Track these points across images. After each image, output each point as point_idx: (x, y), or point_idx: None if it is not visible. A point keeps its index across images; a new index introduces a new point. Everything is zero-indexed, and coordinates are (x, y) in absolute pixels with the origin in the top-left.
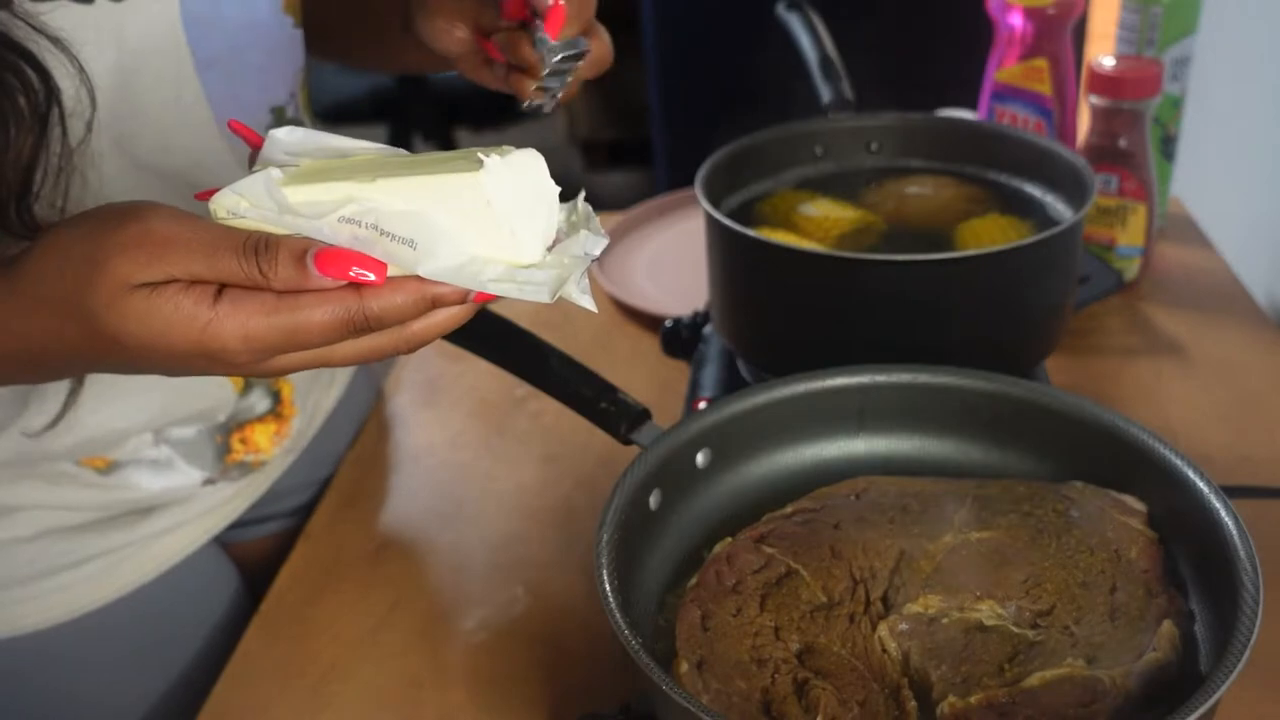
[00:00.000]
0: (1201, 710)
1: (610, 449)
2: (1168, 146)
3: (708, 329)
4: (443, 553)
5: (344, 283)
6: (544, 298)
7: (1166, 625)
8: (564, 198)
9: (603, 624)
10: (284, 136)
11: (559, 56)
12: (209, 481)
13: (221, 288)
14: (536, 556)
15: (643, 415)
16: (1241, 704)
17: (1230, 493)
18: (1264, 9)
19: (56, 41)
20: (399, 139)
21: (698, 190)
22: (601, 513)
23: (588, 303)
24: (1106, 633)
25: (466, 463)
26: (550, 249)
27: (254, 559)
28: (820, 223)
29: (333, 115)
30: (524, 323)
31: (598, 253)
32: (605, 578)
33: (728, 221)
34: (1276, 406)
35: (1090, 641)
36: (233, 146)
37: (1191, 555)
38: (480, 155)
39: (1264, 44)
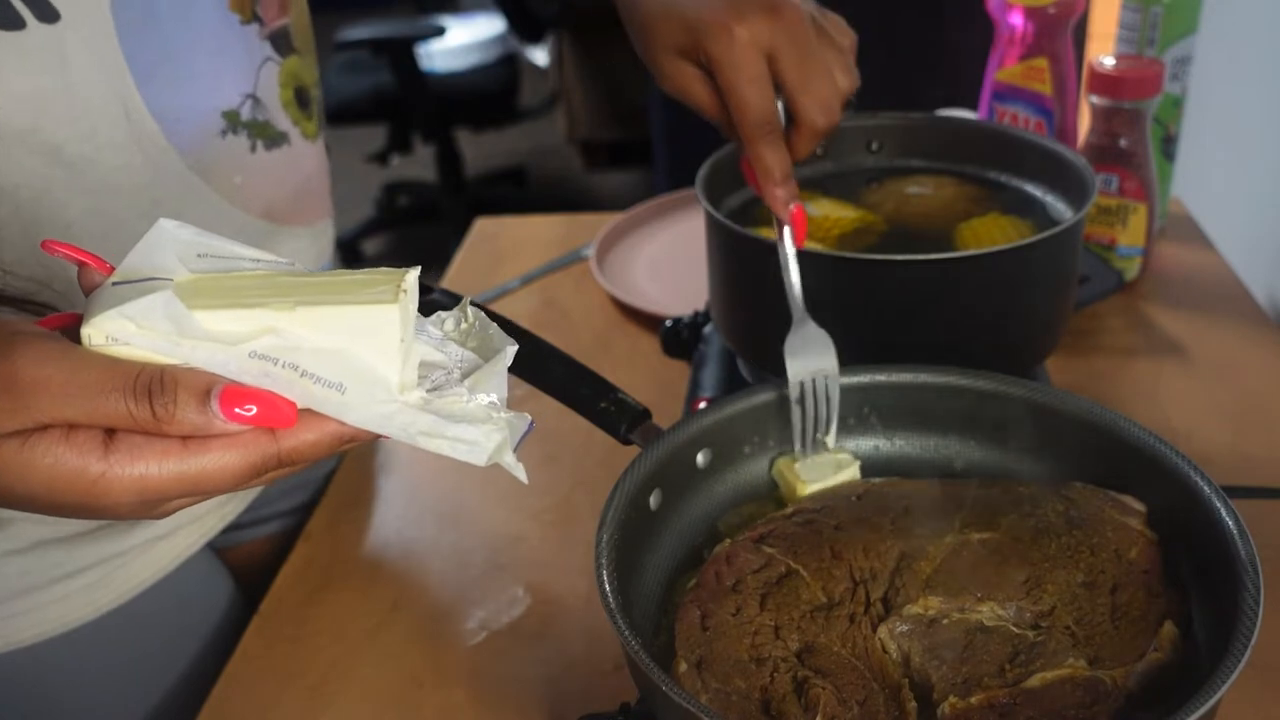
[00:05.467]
0: (1202, 710)
1: (610, 449)
2: (1168, 146)
3: (708, 329)
4: (443, 553)
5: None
6: (479, 461)
7: (1167, 626)
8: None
9: (603, 624)
10: (174, 231)
11: None
12: None
13: (108, 431)
14: (536, 556)
15: (643, 415)
16: (1242, 704)
17: (1230, 493)
18: (1264, 9)
19: None
20: (399, 139)
21: (698, 190)
22: (601, 513)
23: (520, 474)
24: (1107, 633)
25: (467, 462)
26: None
27: (250, 563)
28: (820, 223)
29: (333, 115)
30: (523, 322)
31: (506, 402)
32: (605, 578)
33: (728, 221)
34: (1276, 406)
35: (1091, 642)
36: (184, 155)
37: (1191, 555)
38: (400, 280)
39: (1264, 44)
